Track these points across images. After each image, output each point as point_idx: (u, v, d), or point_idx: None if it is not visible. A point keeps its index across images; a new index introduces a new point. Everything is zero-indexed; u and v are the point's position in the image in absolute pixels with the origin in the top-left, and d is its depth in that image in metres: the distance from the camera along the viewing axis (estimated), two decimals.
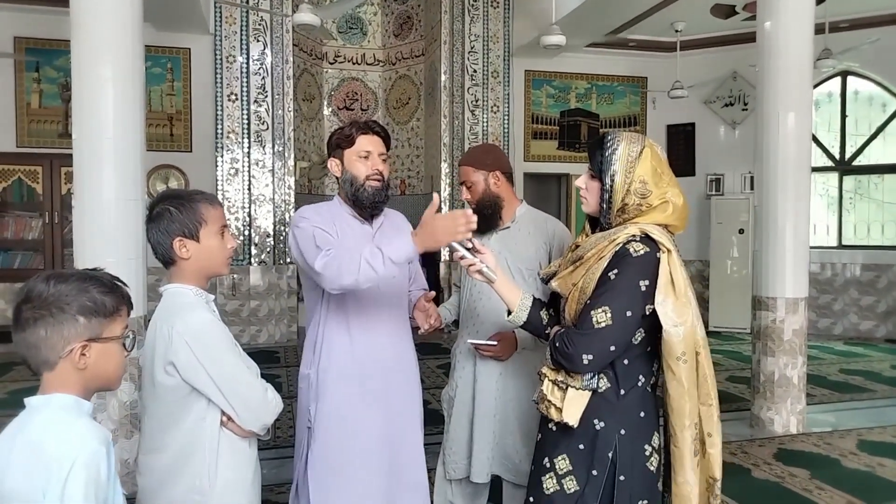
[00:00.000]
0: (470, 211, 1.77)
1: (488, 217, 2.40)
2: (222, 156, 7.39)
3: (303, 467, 2.11)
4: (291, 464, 2.30)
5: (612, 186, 1.62)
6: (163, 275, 1.71)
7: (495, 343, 2.31)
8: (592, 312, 1.56)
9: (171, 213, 1.63)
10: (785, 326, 4.47)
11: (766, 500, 3.44)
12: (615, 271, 1.57)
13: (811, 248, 5.03)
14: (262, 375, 1.70)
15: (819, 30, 5.26)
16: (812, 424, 4.62)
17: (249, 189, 7.48)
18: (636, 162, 1.61)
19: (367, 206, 2.10)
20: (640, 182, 1.61)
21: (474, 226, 1.74)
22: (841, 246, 8.46)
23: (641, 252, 1.56)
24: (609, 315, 1.55)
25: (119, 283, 1.29)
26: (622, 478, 1.61)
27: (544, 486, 1.68)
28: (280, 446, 4.00)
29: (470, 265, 1.76)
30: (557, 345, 1.61)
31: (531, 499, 1.74)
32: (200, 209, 1.65)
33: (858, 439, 4.36)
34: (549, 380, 1.68)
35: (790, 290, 4.47)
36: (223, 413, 1.62)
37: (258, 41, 7.44)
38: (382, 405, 2.11)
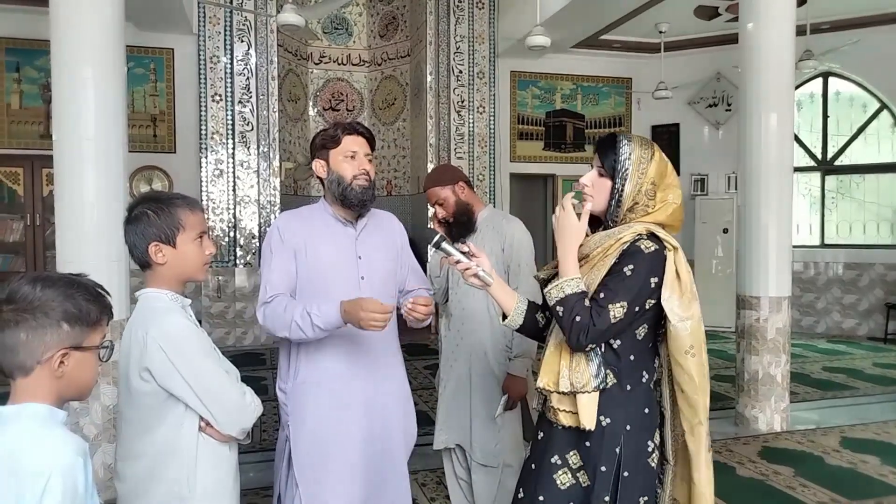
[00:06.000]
0: (389, 307, 1.84)
1: (465, 223, 2.56)
2: (206, 157, 7.34)
3: (284, 479, 2.08)
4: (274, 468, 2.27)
5: (623, 186, 1.66)
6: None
7: (507, 396, 2.51)
8: (610, 306, 1.57)
9: (149, 216, 1.60)
10: (769, 325, 4.51)
11: (750, 498, 3.46)
12: (630, 266, 1.59)
13: (794, 247, 5.07)
14: (248, 378, 1.69)
15: (801, 31, 5.31)
16: (796, 422, 4.67)
17: (234, 190, 7.43)
18: (648, 164, 1.66)
19: (355, 204, 2.07)
20: (651, 183, 1.66)
21: (385, 323, 1.81)
22: (823, 245, 8.55)
23: (652, 249, 1.60)
24: (624, 311, 1.57)
25: (102, 292, 1.26)
26: (626, 473, 1.62)
27: (558, 482, 1.67)
28: (265, 449, 3.97)
29: (465, 269, 1.72)
30: (578, 319, 1.56)
31: (541, 497, 1.70)
32: (179, 214, 1.62)
33: (841, 436, 4.40)
34: (552, 391, 1.66)
35: (774, 288, 4.51)
36: (201, 418, 1.60)
37: (242, 41, 7.39)
38: (368, 411, 2.07)
